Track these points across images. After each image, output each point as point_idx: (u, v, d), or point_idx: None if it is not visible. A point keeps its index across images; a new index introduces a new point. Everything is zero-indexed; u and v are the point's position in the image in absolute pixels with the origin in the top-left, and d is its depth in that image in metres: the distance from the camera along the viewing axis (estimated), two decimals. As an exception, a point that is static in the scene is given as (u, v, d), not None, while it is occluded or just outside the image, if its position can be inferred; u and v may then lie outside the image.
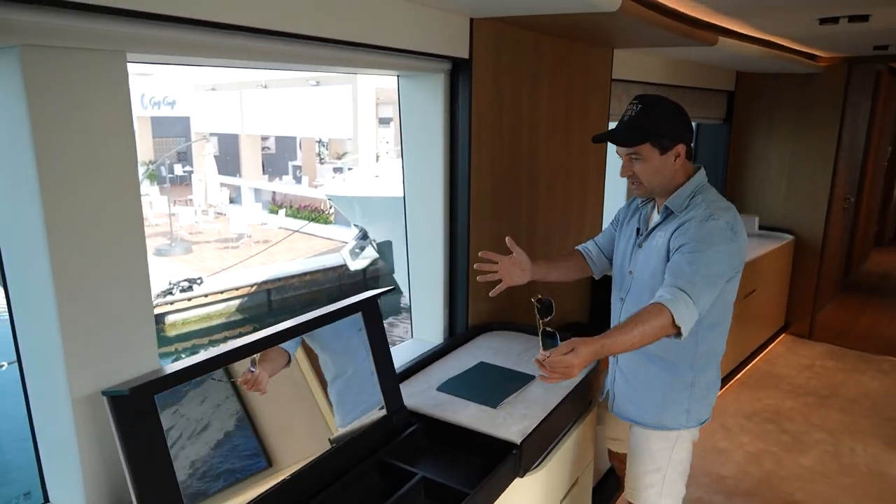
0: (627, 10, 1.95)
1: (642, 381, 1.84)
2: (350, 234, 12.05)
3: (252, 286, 12.33)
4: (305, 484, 1.47)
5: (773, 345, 4.70)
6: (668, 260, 1.64)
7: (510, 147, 2.52)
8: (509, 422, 1.73)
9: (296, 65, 1.73)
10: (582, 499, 2.13)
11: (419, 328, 2.53)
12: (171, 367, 1.29)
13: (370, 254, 10.56)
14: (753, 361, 4.36)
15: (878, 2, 2.36)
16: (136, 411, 1.19)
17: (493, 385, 1.94)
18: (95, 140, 1.20)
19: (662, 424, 1.83)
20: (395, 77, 2.33)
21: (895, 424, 3.54)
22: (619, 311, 1.86)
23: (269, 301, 12.59)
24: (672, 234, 1.65)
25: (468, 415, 1.77)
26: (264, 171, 22.08)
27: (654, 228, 1.75)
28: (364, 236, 10.28)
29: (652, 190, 1.72)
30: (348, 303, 1.69)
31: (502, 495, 1.64)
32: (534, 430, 1.70)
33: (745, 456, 3.17)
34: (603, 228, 3.38)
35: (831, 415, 3.63)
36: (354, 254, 10.55)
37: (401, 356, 2.25)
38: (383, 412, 1.73)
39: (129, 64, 1.25)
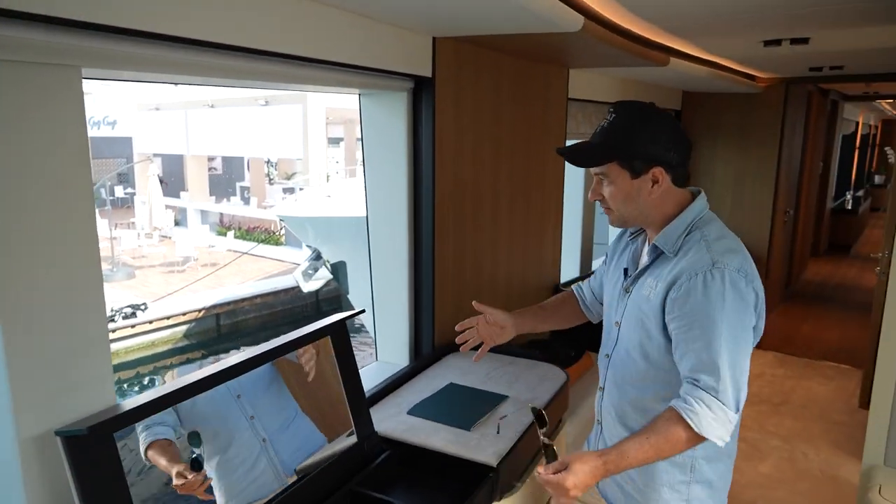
0: (588, 29, 1.98)
1: None
2: (302, 256, 11.82)
3: (200, 311, 11.92)
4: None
5: (725, 355, 4.82)
6: (661, 318, 1.32)
7: (472, 165, 2.52)
8: (484, 444, 1.70)
9: (258, 82, 1.68)
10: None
11: (384, 350, 2.48)
12: (131, 402, 1.21)
13: (323, 275, 10.36)
14: (708, 372, 4.47)
15: (818, 26, 2.49)
16: (93, 452, 1.10)
17: (464, 407, 1.91)
18: (48, 159, 1.13)
19: None
20: (348, 96, 2.30)
21: (841, 428, 3.67)
22: (605, 371, 1.51)
23: (217, 326, 12.19)
24: (668, 289, 1.30)
25: (442, 438, 1.73)
26: (211, 193, 21.54)
27: (642, 271, 1.41)
28: (317, 257, 10.09)
29: (624, 219, 1.41)
30: (316, 327, 1.64)
31: (479, 520, 1.61)
32: (509, 451, 1.67)
33: (706, 466, 3.22)
34: (563, 244, 3.45)
35: (784, 422, 3.74)
36: (307, 275, 10.34)
37: (367, 380, 2.18)
38: (353, 439, 1.67)
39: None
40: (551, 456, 1.28)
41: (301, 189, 15.29)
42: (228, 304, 12.32)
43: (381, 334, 2.48)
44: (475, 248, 2.61)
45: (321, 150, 17.40)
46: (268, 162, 23.20)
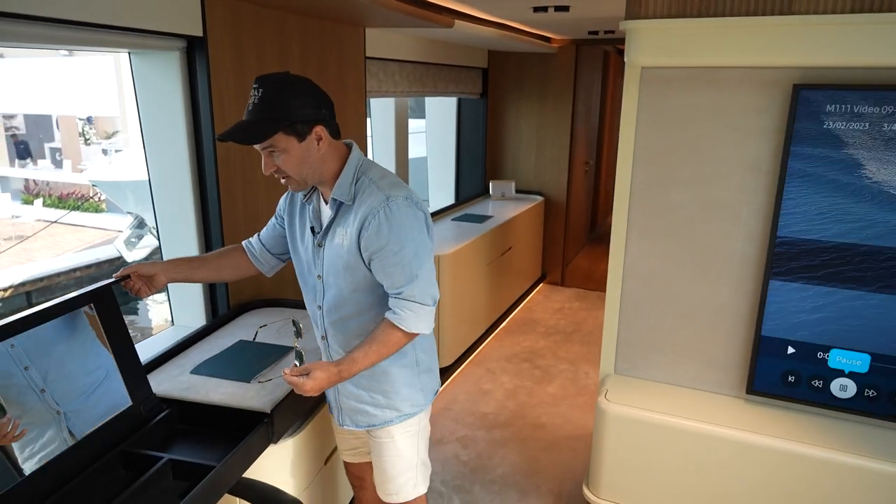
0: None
1: (369, 384, 1.74)
2: (126, 223, 10.94)
3: (5, 290, 10.66)
4: (42, 483, 1.41)
5: (532, 294, 5.36)
6: (360, 255, 1.57)
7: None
8: (262, 394, 1.81)
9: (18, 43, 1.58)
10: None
11: (180, 314, 2.48)
12: None
13: (150, 242, 9.72)
14: (515, 310, 4.94)
15: (574, -4, 2.80)
16: None
17: (248, 361, 1.99)
18: None
19: (404, 414, 1.76)
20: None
21: (623, 349, 4.29)
22: (322, 321, 1.73)
23: (29, 305, 10.99)
24: (359, 232, 1.55)
25: (221, 392, 1.81)
26: (12, 156, 18.95)
27: (329, 225, 1.62)
28: (140, 224, 9.41)
29: (305, 182, 1.57)
30: (75, 295, 1.62)
31: (261, 463, 1.73)
32: (285, 397, 1.80)
33: (504, 393, 3.63)
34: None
35: (573, 348, 4.28)
36: (131, 244, 9.62)
37: (159, 345, 2.19)
38: (128, 404, 1.70)
39: None
40: (300, 360, 1.58)
41: (118, 151, 13.93)
42: (41, 279, 11.13)
43: (175, 299, 2.47)
44: (269, 210, 2.65)
45: (142, 106, 15.92)
46: (84, 120, 20.82)
